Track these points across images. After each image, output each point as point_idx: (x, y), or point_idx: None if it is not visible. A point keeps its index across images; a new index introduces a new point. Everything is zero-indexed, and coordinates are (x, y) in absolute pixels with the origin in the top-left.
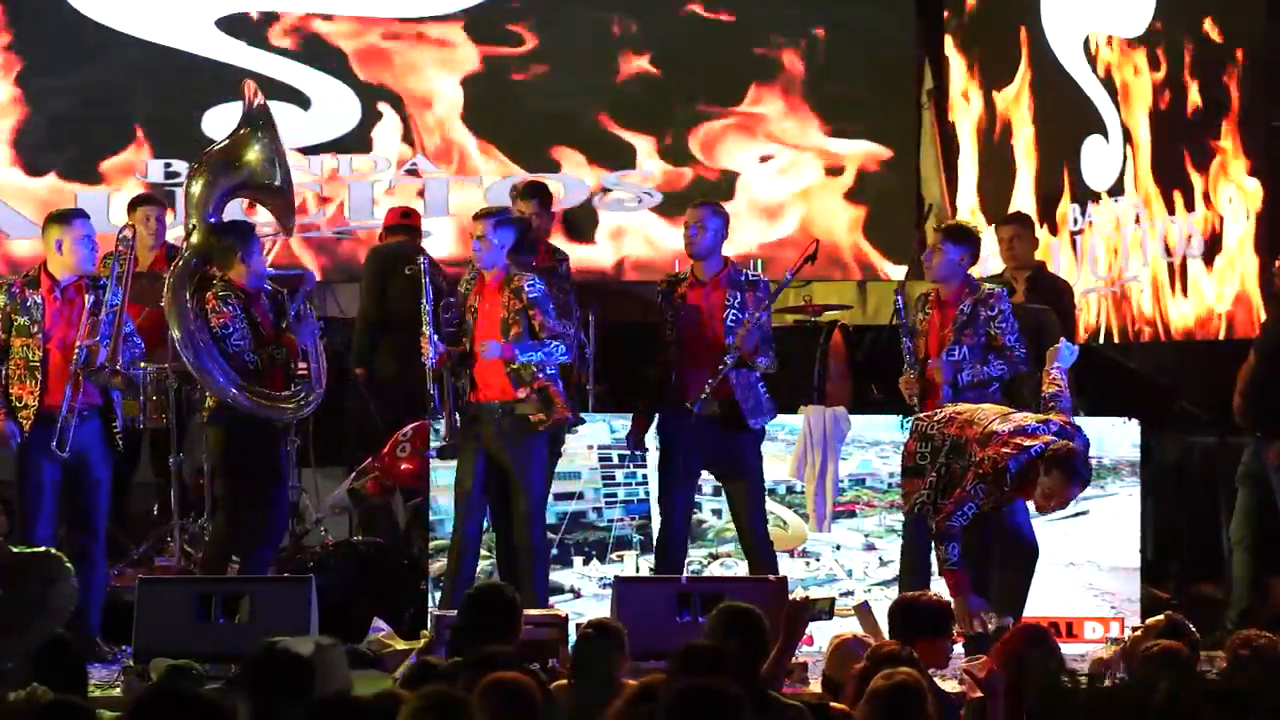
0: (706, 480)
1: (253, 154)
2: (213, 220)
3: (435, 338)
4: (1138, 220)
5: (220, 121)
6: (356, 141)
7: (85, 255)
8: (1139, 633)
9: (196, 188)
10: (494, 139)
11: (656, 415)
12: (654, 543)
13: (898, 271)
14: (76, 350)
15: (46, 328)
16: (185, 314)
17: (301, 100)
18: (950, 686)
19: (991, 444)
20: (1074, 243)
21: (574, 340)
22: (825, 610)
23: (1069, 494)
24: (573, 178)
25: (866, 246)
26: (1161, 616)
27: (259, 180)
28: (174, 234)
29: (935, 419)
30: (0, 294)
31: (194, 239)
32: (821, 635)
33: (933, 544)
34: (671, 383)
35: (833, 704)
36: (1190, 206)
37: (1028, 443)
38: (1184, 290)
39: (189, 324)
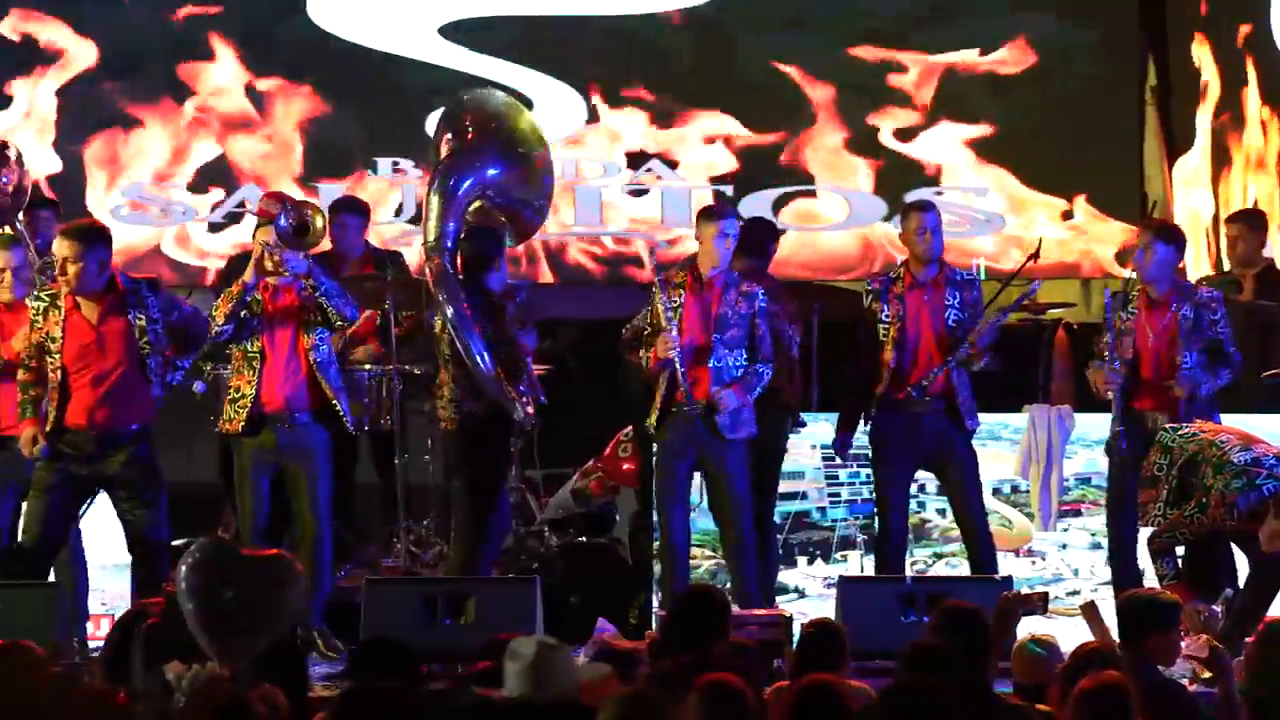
0: (929, 479)
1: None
2: (455, 226)
3: (676, 335)
4: None
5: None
6: (578, 143)
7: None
8: None
9: (436, 196)
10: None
11: (863, 417)
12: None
13: (1123, 269)
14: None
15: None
16: (465, 318)
17: (524, 102)
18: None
19: (1225, 472)
20: None
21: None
22: (1039, 607)
23: None
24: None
25: (1090, 244)
26: None
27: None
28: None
29: (1179, 433)
30: None
31: (440, 244)
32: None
33: (1150, 559)
34: (885, 383)
35: (1037, 705)
36: None
37: (1261, 480)
38: None
39: (471, 326)
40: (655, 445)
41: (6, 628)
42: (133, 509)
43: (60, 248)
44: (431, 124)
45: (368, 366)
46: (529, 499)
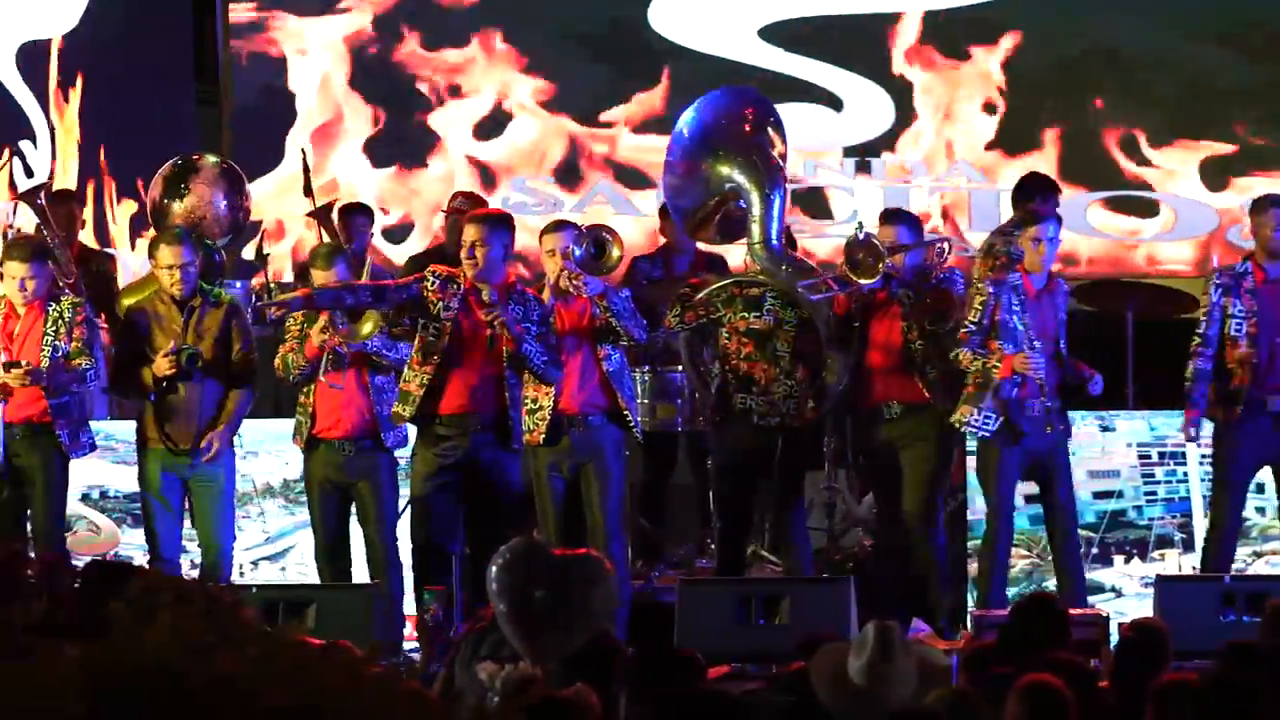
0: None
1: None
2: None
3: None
4: None
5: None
6: (889, 143)
7: None
8: None
9: (756, 198)
10: None
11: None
12: (1197, 540)
13: None
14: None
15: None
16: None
17: (834, 102)
18: None
19: None
20: None
21: None
22: None
23: None
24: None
25: None
26: None
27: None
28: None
29: None
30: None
31: (761, 253)
32: None
33: None
34: (1241, 379)
35: None
36: None
37: None
38: None
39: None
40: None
41: (327, 628)
42: None
43: (469, 232)
44: None
45: (679, 367)
46: (845, 498)
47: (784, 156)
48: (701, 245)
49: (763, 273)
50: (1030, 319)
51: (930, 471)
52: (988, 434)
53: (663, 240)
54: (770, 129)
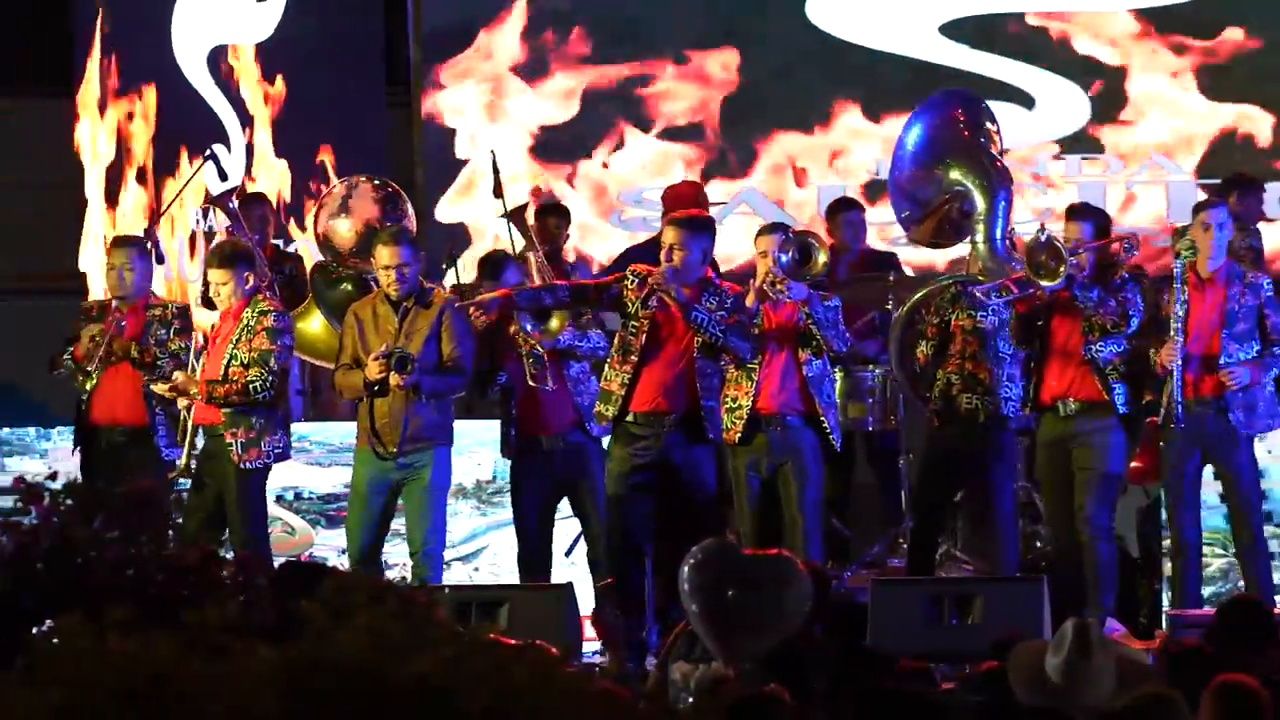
0: None
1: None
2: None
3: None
4: None
5: None
6: (1082, 141)
7: None
8: None
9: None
10: None
11: None
12: None
13: None
14: None
15: None
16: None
17: (1025, 100)
18: None
19: None
20: None
21: None
22: None
23: None
24: None
25: None
26: None
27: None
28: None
29: None
30: None
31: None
32: None
33: None
34: None
35: None
36: None
37: None
38: None
39: None
40: (1163, 443)
41: (520, 628)
42: None
43: (668, 235)
44: None
45: (871, 367)
46: (1035, 496)
47: (1004, 154)
48: (871, 245)
49: (983, 273)
50: (1194, 309)
51: (1103, 470)
52: (1170, 427)
53: (829, 241)
54: (989, 128)
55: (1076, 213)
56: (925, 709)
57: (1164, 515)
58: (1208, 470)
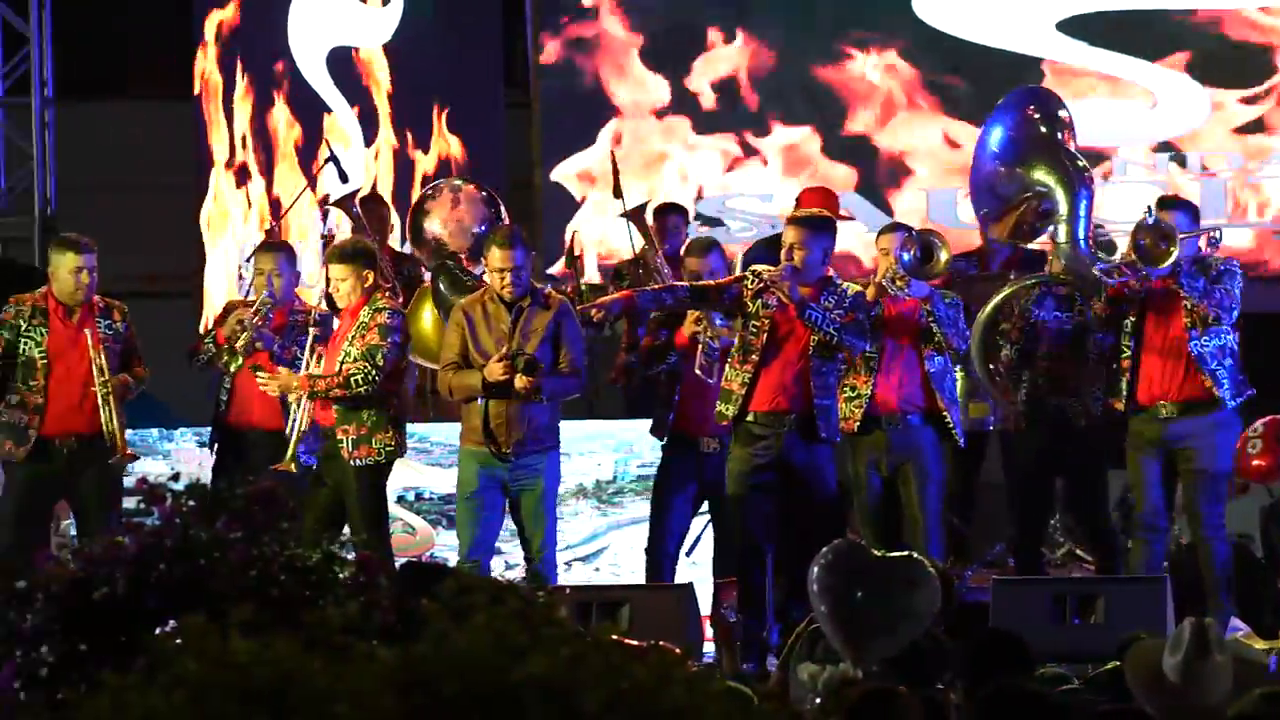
0: None
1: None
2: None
3: None
4: None
5: None
6: (1198, 139)
7: None
8: None
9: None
10: None
11: None
12: None
13: None
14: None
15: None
16: None
17: (1145, 98)
18: None
19: None
20: None
21: None
22: None
23: None
24: None
25: None
26: None
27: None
28: None
29: None
30: None
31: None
32: None
33: None
34: None
35: None
36: None
37: None
38: None
39: None
40: None
41: (641, 628)
42: None
43: (788, 234)
44: None
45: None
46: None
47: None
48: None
49: (1066, 272)
50: None
51: (1211, 470)
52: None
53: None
54: (1063, 117)
55: (1168, 203)
56: (1048, 709)
57: None
58: None
